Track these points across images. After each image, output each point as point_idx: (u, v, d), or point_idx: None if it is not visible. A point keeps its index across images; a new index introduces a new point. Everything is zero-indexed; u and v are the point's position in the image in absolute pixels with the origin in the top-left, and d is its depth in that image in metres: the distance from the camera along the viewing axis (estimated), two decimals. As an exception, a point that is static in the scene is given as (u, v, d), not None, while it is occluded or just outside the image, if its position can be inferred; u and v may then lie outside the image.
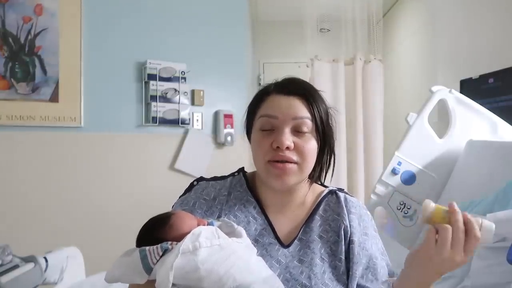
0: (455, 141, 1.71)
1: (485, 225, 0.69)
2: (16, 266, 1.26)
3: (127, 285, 0.74)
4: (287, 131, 0.79)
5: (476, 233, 0.68)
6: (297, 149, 0.80)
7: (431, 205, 0.72)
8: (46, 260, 1.37)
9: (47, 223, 2.13)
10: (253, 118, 0.86)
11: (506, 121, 1.72)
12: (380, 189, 1.75)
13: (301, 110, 0.81)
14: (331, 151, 0.87)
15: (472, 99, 1.74)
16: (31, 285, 1.28)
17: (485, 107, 1.74)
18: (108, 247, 1.49)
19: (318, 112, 0.82)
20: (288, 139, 0.79)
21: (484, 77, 2.15)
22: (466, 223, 0.68)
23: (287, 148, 0.78)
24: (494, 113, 1.73)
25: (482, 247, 1.15)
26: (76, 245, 1.59)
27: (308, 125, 0.81)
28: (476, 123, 1.71)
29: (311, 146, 0.81)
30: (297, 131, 0.81)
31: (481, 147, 1.61)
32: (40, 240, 2.01)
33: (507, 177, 1.31)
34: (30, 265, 1.30)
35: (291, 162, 0.79)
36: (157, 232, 0.72)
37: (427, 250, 0.70)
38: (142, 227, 0.76)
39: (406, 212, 1.72)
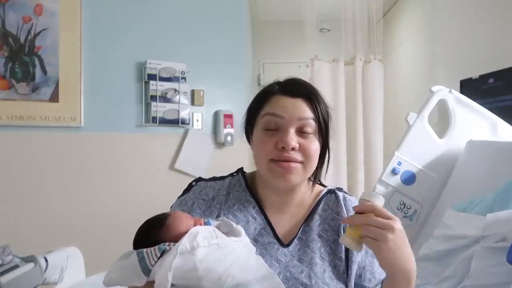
0: (455, 141, 1.71)
1: (372, 195, 0.71)
2: (16, 266, 1.25)
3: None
4: (292, 131, 0.80)
5: (368, 208, 0.69)
6: (302, 149, 0.80)
7: (344, 237, 0.72)
8: (46, 260, 1.36)
9: (47, 223, 2.13)
10: (256, 117, 0.86)
11: (506, 121, 1.72)
12: (380, 189, 1.75)
13: (306, 111, 0.82)
14: (329, 151, 0.88)
15: (472, 99, 1.74)
16: (31, 285, 1.28)
17: (485, 107, 1.74)
18: (108, 247, 1.49)
19: (321, 113, 0.83)
20: (294, 139, 0.79)
21: (484, 77, 2.15)
22: (362, 211, 0.70)
23: (292, 148, 0.79)
24: (494, 113, 1.72)
25: (482, 247, 1.15)
26: (76, 245, 1.58)
27: (312, 126, 0.81)
28: (476, 123, 1.71)
29: (315, 147, 0.82)
30: (301, 132, 0.81)
31: (481, 147, 1.61)
32: (40, 240, 2.01)
33: (507, 177, 1.30)
34: (30, 265, 1.29)
35: (295, 162, 0.80)
36: (154, 234, 0.72)
37: (379, 256, 0.69)
38: (138, 229, 0.75)
39: (406, 212, 1.72)
